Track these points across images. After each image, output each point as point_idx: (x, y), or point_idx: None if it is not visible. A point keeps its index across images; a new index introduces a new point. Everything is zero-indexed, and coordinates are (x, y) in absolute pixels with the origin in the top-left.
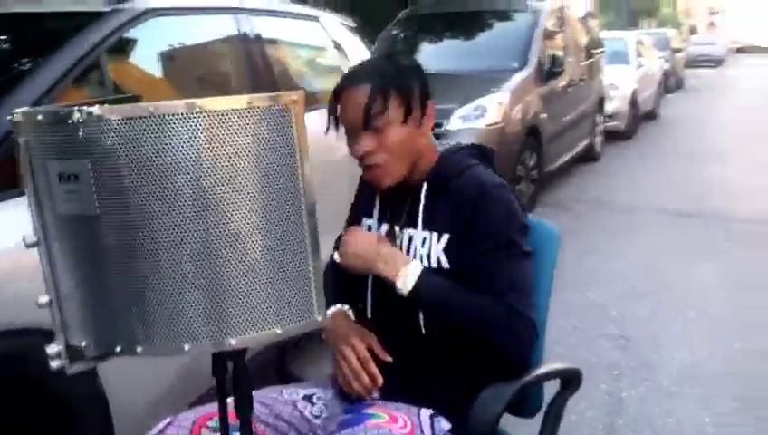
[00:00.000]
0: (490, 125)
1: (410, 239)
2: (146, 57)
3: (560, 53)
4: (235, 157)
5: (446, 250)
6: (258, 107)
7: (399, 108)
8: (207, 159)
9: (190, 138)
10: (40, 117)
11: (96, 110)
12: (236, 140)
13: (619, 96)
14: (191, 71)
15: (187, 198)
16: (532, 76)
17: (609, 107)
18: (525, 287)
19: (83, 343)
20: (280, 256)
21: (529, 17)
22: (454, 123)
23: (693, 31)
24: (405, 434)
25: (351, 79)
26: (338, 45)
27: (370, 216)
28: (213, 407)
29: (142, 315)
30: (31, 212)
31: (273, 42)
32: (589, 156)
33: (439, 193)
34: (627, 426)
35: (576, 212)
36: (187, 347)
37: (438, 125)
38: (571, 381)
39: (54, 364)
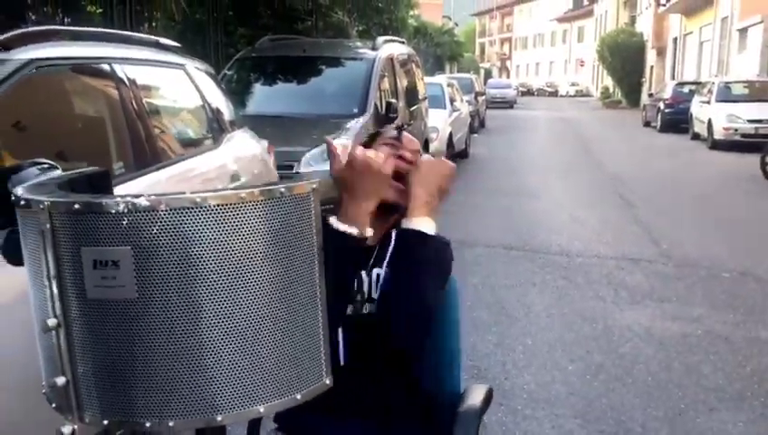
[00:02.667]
0: None
1: (378, 277)
2: (35, 113)
3: (394, 100)
4: (265, 240)
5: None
6: (289, 195)
7: None
8: (243, 245)
9: (229, 226)
10: (77, 206)
11: (144, 201)
12: (270, 226)
13: (439, 138)
14: (80, 126)
15: (227, 281)
16: (370, 121)
17: (431, 148)
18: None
19: (104, 420)
20: (299, 333)
21: (364, 64)
22: (304, 166)
23: (488, 75)
24: None
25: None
26: (200, 91)
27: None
28: None
29: (172, 392)
30: (50, 297)
31: (146, 89)
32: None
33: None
34: None
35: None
36: (219, 418)
37: (290, 168)
38: (490, 398)
39: None
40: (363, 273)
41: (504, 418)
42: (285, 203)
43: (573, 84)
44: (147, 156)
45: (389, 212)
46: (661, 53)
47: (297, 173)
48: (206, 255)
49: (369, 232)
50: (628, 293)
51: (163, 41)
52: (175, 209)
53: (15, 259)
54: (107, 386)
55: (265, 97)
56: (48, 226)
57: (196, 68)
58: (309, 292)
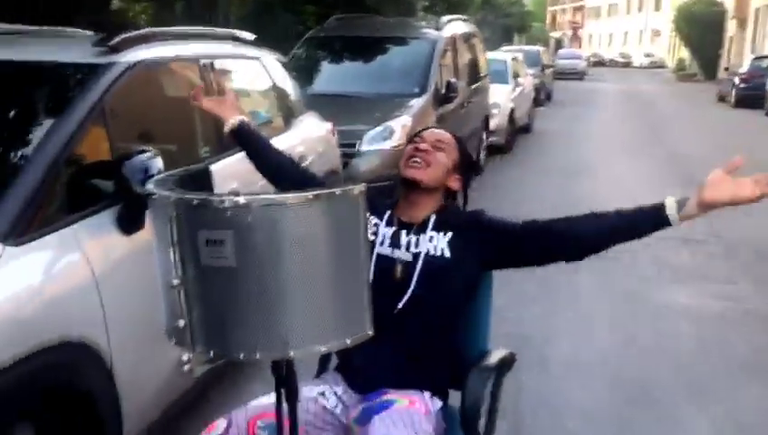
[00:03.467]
0: (395, 147)
1: (417, 240)
2: (137, 105)
3: (453, 80)
4: (325, 227)
5: (450, 243)
6: (341, 195)
7: (452, 164)
8: (310, 231)
9: (301, 217)
10: (195, 202)
11: (242, 199)
12: (328, 218)
13: (500, 114)
14: (173, 115)
15: (298, 256)
16: (431, 101)
17: (492, 124)
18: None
19: (211, 352)
20: (350, 294)
21: (426, 44)
22: (365, 145)
23: (559, 44)
24: (423, 412)
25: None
26: (273, 80)
27: (380, 218)
28: (259, 404)
29: (259, 333)
30: (174, 264)
31: (227, 81)
32: (474, 169)
33: (444, 222)
34: (527, 405)
35: None
36: (291, 353)
37: (352, 145)
38: (509, 362)
39: (186, 367)
40: (403, 232)
41: (539, 380)
42: (342, 201)
43: (648, 55)
44: (228, 141)
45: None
46: (742, 24)
47: (358, 151)
48: (284, 237)
49: None
50: (672, 272)
51: (239, 34)
52: (263, 205)
53: (127, 230)
54: (212, 327)
55: (331, 76)
56: (174, 214)
57: (269, 58)
58: (357, 264)
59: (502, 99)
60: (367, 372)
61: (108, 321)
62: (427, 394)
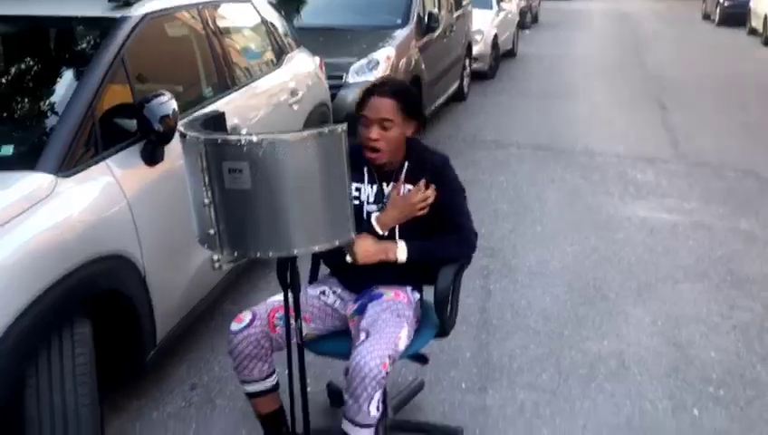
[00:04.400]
0: (380, 77)
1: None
2: (149, 52)
3: (435, 10)
4: (317, 157)
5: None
6: (330, 133)
7: (402, 121)
8: (306, 160)
9: (299, 151)
10: (219, 140)
11: (254, 138)
12: (319, 150)
13: (483, 40)
14: (179, 60)
15: (297, 180)
16: (413, 31)
17: (475, 50)
18: (469, 213)
19: (235, 253)
20: (337, 206)
21: None
22: (351, 77)
23: None
24: (405, 302)
25: (382, 91)
26: (264, 20)
27: (361, 182)
28: (275, 299)
29: (270, 237)
30: (204, 187)
31: (223, 25)
32: (458, 96)
33: (417, 168)
34: (494, 307)
35: (452, 149)
36: (294, 251)
37: (339, 77)
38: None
39: (216, 265)
40: (384, 185)
41: (506, 286)
42: (328, 138)
43: None
44: (226, 81)
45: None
46: None
47: (345, 82)
48: (287, 166)
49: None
50: (636, 189)
51: None
52: (271, 142)
53: (150, 162)
54: (235, 234)
55: (317, 9)
56: (204, 150)
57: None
58: (341, 185)
59: (485, 25)
60: (359, 275)
61: (140, 236)
62: (408, 288)
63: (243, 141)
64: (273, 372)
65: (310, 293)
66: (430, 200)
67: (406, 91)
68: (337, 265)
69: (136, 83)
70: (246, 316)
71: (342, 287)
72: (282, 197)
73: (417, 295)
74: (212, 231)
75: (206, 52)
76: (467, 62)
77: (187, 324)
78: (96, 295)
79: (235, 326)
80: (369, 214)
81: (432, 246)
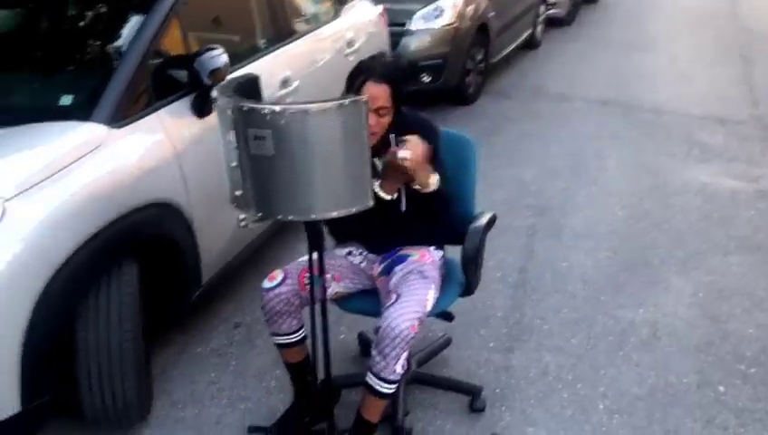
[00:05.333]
0: (445, 25)
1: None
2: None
3: None
4: (337, 128)
5: None
6: (351, 104)
7: (394, 104)
8: (327, 131)
9: (321, 121)
10: (245, 108)
11: (277, 108)
12: (339, 121)
13: None
14: (234, 12)
15: (317, 148)
16: None
17: None
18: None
19: (259, 214)
20: (356, 174)
21: None
22: (415, 24)
23: None
24: (429, 262)
25: (375, 77)
26: None
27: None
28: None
29: (290, 200)
30: (232, 151)
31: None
32: (530, 44)
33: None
34: (534, 268)
35: (515, 100)
36: (313, 215)
37: (402, 25)
38: (493, 222)
39: (243, 223)
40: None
41: (550, 247)
42: (349, 109)
43: None
44: (282, 32)
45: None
46: None
47: (408, 30)
48: (308, 135)
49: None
50: (701, 151)
51: None
52: (293, 113)
53: (199, 114)
54: (260, 196)
55: None
56: (231, 116)
57: None
58: (361, 154)
59: None
60: (383, 239)
61: (188, 186)
62: (431, 248)
63: (266, 111)
64: (302, 326)
65: (337, 253)
66: (421, 148)
67: (400, 75)
68: (361, 229)
69: (190, 34)
70: (279, 275)
71: (367, 251)
72: (302, 164)
73: (441, 253)
74: (239, 193)
75: (263, 2)
76: (542, 8)
77: (232, 268)
78: (144, 239)
79: (267, 284)
80: None
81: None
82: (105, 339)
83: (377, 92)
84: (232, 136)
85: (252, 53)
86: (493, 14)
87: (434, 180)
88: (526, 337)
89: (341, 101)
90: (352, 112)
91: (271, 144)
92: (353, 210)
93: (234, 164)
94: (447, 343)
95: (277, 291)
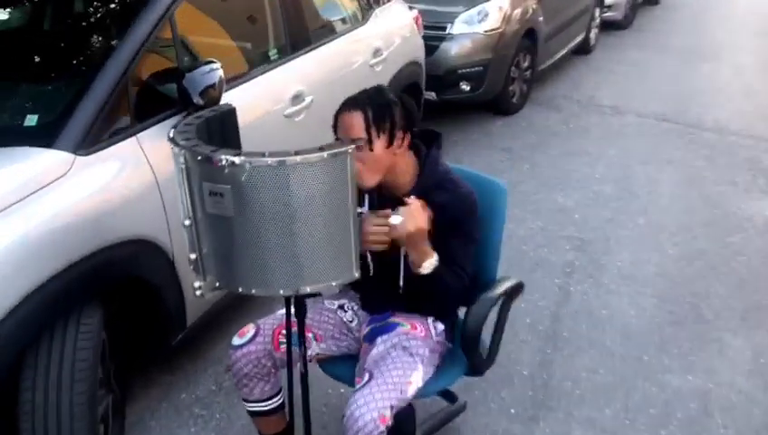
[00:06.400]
0: (488, 31)
1: None
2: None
3: None
4: (314, 186)
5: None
6: (331, 157)
7: (378, 136)
8: (299, 188)
9: (290, 178)
10: (199, 157)
11: (237, 159)
12: (316, 178)
13: None
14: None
15: (285, 213)
16: None
17: None
18: (469, 264)
19: (217, 283)
20: (338, 243)
21: None
22: (457, 27)
23: None
24: (422, 337)
25: (349, 105)
26: None
27: (361, 205)
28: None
29: (253, 272)
30: (186, 207)
31: None
32: (583, 49)
33: (429, 198)
34: (569, 315)
35: (563, 112)
36: (281, 292)
37: (442, 28)
38: (517, 291)
39: (198, 293)
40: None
41: (589, 290)
42: (327, 164)
43: None
44: (297, 40)
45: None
46: None
47: (449, 34)
48: (274, 195)
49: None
50: (767, 181)
51: None
52: (255, 167)
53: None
54: (218, 263)
55: None
56: (184, 165)
57: None
58: (343, 219)
59: None
60: (377, 298)
61: (170, 220)
62: (430, 319)
63: (223, 162)
64: (278, 392)
65: (326, 306)
66: (419, 221)
67: (376, 97)
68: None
69: (186, 45)
70: (250, 330)
71: (360, 306)
72: (267, 230)
73: (441, 326)
74: (193, 256)
75: (275, 7)
76: (597, 11)
77: (223, 306)
78: (115, 281)
79: (236, 340)
80: None
81: (447, 278)
82: (54, 401)
83: (348, 121)
84: (184, 189)
85: (258, 64)
86: (542, 17)
87: (428, 263)
88: (554, 403)
89: (319, 153)
90: (333, 166)
91: (230, 203)
92: (333, 284)
93: (187, 222)
94: (461, 409)
95: (246, 350)
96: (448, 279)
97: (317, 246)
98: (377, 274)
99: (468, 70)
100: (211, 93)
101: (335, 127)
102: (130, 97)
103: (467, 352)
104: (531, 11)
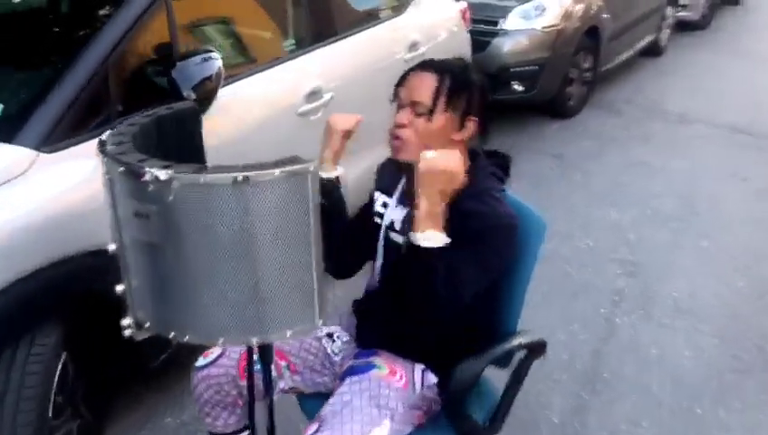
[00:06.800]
0: (546, 27)
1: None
2: None
3: None
4: (261, 213)
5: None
6: (285, 176)
7: (445, 110)
8: (239, 215)
9: (229, 201)
10: (121, 169)
11: (162, 175)
12: (265, 201)
13: None
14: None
15: (223, 243)
16: None
17: None
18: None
19: (147, 323)
20: (291, 282)
21: None
22: (511, 22)
23: None
24: (400, 387)
25: (425, 66)
26: None
27: (390, 195)
28: None
29: (185, 314)
30: (113, 231)
31: None
32: (652, 50)
33: (456, 207)
34: (612, 353)
35: (625, 117)
36: (221, 340)
37: (494, 23)
38: (536, 349)
39: (126, 332)
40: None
41: (638, 322)
42: (278, 184)
43: None
44: (319, 30)
45: None
46: None
47: (501, 29)
48: (207, 220)
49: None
50: None
51: None
52: (185, 185)
53: None
54: (147, 300)
55: None
56: (108, 177)
57: None
58: (303, 247)
59: None
60: (372, 325)
61: None
62: (419, 367)
63: (147, 177)
64: (245, 429)
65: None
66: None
67: (458, 70)
68: (361, 304)
69: (184, 30)
70: (215, 351)
71: (352, 336)
72: (200, 263)
73: (433, 379)
74: (120, 287)
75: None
76: (669, 9)
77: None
78: (80, 297)
79: (200, 361)
80: (388, 241)
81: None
82: None
83: (416, 82)
84: (110, 207)
85: (270, 55)
86: (607, 15)
87: (431, 233)
88: None
89: (270, 171)
90: (288, 189)
91: (156, 227)
92: (288, 335)
93: (111, 247)
94: None
95: (206, 372)
96: (438, 278)
97: (265, 287)
98: (381, 292)
99: (522, 69)
100: (207, 87)
101: (397, 87)
102: (112, 88)
103: (451, 418)
104: (594, 8)
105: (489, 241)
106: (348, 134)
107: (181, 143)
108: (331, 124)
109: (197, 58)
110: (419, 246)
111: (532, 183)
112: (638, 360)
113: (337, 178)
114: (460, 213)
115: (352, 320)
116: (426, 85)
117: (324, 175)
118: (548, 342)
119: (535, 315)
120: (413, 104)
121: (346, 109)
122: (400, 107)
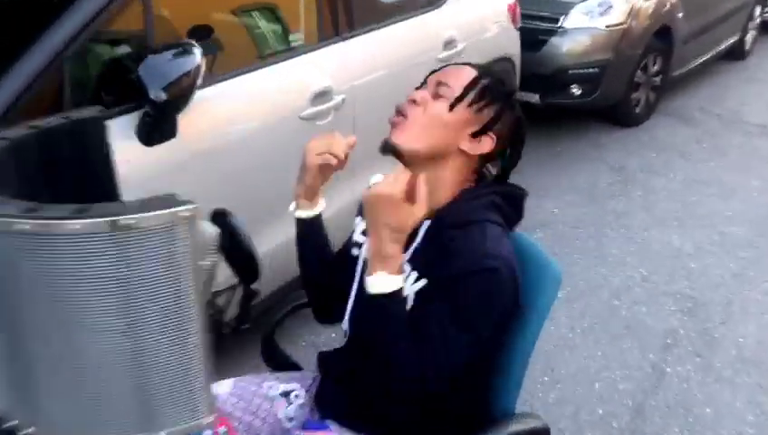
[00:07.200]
0: (611, 25)
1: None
2: None
3: None
4: (109, 267)
5: (418, 293)
6: (138, 225)
7: (470, 106)
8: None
9: (64, 253)
10: None
11: None
12: (110, 256)
13: None
14: None
15: (58, 307)
16: None
17: None
18: (450, 368)
19: None
20: (161, 373)
21: None
22: (573, 19)
23: None
24: None
25: (469, 64)
26: None
27: (364, 234)
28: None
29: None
30: None
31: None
32: (735, 54)
33: (437, 238)
34: (657, 408)
35: (699, 128)
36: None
37: (554, 20)
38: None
39: None
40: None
41: (692, 373)
42: (136, 233)
43: None
44: (336, 24)
45: None
46: None
47: (561, 27)
48: (43, 282)
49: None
50: None
51: None
52: (2, 232)
53: (146, 141)
54: None
55: None
56: None
57: None
58: (165, 325)
59: None
60: (329, 390)
61: None
62: None
63: None
64: None
65: (264, 388)
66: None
67: (500, 78)
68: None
69: (163, 20)
70: None
71: (313, 397)
72: (28, 329)
73: None
74: None
75: None
76: (758, 9)
77: None
78: None
79: None
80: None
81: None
82: None
83: (452, 70)
84: None
85: (271, 50)
86: (681, 14)
87: (381, 276)
88: None
89: (116, 219)
90: (154, 240)
91: None
92: (162, 434)
93: None
94: None
95: None
96: (400, 339)
97: (116, 371)
98: (348, 345)
99: (582, 71)
100: (181, 86)
101: (429, 75)
102: (66, 86)
103: None
104: (667, 5)
105: (469, 290)
106: (337, 165)
107: (81, 163)
108: (305, 152)
109: (168, 53)
110: (369, 293)
111: (586, 198)
112: (689, 420)
113: (317, 216)
114: (438, 248)
115: (317, 376)
116: (463, 75)
117: (301, 214)
118: (582, 391)
119: (570, 356)
120: (438, 84)
121: (360, 113)
122: (418, 87)
